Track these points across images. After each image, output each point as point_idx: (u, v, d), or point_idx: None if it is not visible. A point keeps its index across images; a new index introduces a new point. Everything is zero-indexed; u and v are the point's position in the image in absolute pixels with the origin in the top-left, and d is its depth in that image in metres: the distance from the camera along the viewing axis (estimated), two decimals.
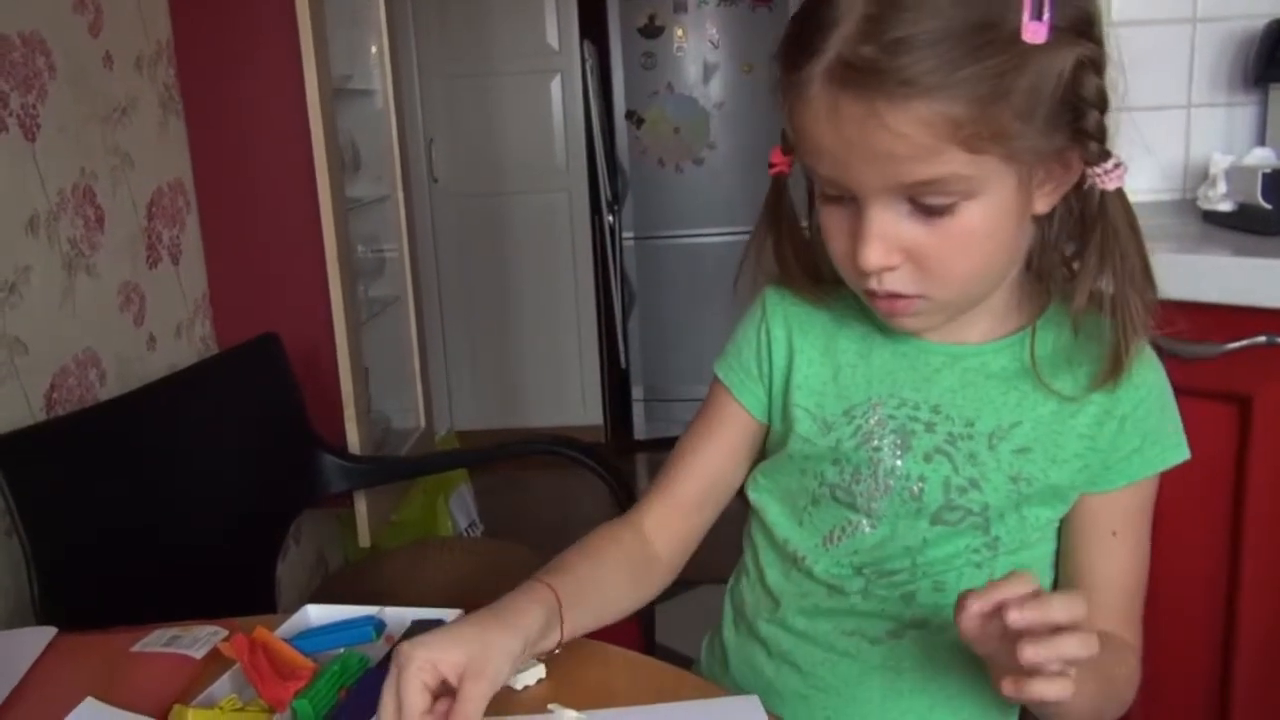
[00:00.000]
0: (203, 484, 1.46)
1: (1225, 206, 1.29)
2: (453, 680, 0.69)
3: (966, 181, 0.67)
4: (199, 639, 0.86)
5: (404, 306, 2.32)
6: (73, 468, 1.24)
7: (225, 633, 0.86)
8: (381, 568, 1.73)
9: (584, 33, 3.53)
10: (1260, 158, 1.28)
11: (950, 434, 0.79)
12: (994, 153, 0.66)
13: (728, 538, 0.98)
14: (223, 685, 0.78)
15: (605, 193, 3.62)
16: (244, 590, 1.53)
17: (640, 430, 3.84)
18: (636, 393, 3.84)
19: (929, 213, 0.69)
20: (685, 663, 0.95)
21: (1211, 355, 1.10)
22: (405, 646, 0.69)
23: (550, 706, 0.74)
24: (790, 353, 0.86)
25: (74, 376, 1.43)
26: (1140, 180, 1.51)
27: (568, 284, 3.71)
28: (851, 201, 0.71)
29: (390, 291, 2.32)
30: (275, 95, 1.74)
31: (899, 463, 0.80)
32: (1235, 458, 1.15)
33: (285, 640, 0.83)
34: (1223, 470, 1.16)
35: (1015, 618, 0.60)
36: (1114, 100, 0.69)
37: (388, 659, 0.77)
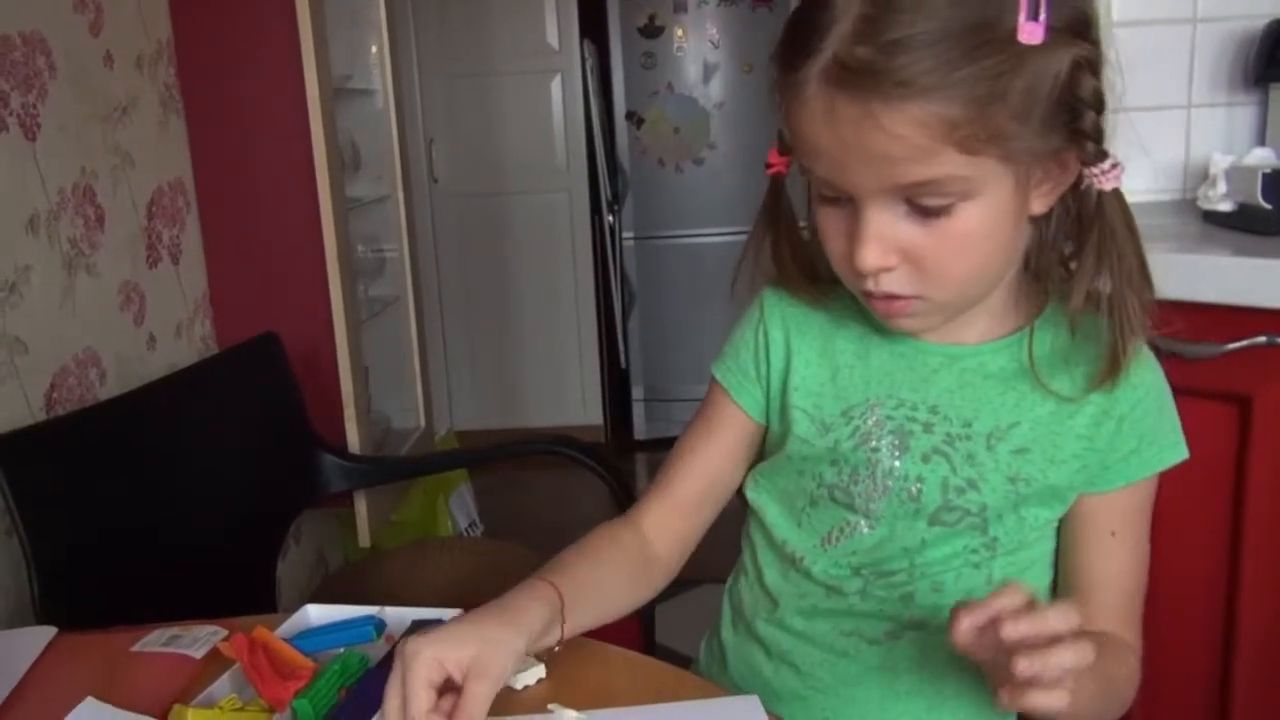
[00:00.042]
0: (203, 484, 1.46)
1: (1225, 206, 1.29)
2: (457, 678, 0.69)
3: (963, 182, 0.67)
4: (199, 639, 0.86)
5: (404, 306, 2.32)
6: (73, 467, 1.24)
7: (225, 632, 0.86)
8: (381, 568, 1.73)
9: (584, 32, 3.53)
10: (1260, 158, 1.28)
11: (948, 434, 0.79)
12: (991, 154, 0.66)
13: (727, 537, 0.98)
14: (223, 685, 0.78)
15: (605, 193, 3.62)
16: (244, 590, 1.53)
17: (640, 430, 3.84)
18: (636, 393, 3.84)
19: (926, 214, 0.69)
20: (685, 663, 0.95)
21: (1211, 355, 1.10)
22: (411, 643, 0.69)
23: (550, 706, 0.74)
24: (788, 354, 0.86)
25: (74, 376, 1.43)
26: (1141, 180, 1.51)
27: (568, 284, 3.71)
28: (848, 202, 0.71)
29: (390, 291, 2.32)
30: (275, 95, 1.74)
31: (897, 463, 0.80)
32: (1235, 458, 1.15)
33: (285, 640, 0.83)
34: (1223, 470, 1.16)
35: (1010, 631, 0.60)
36: (1111, 101, 0.69)
37: (388, 659, 0.77)
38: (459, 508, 2.69)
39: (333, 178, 1.79)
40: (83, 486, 1.25)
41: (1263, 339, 1.08)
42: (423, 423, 2.36)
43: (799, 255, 0.84)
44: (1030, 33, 0.64)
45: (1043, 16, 0.64)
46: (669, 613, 1.63)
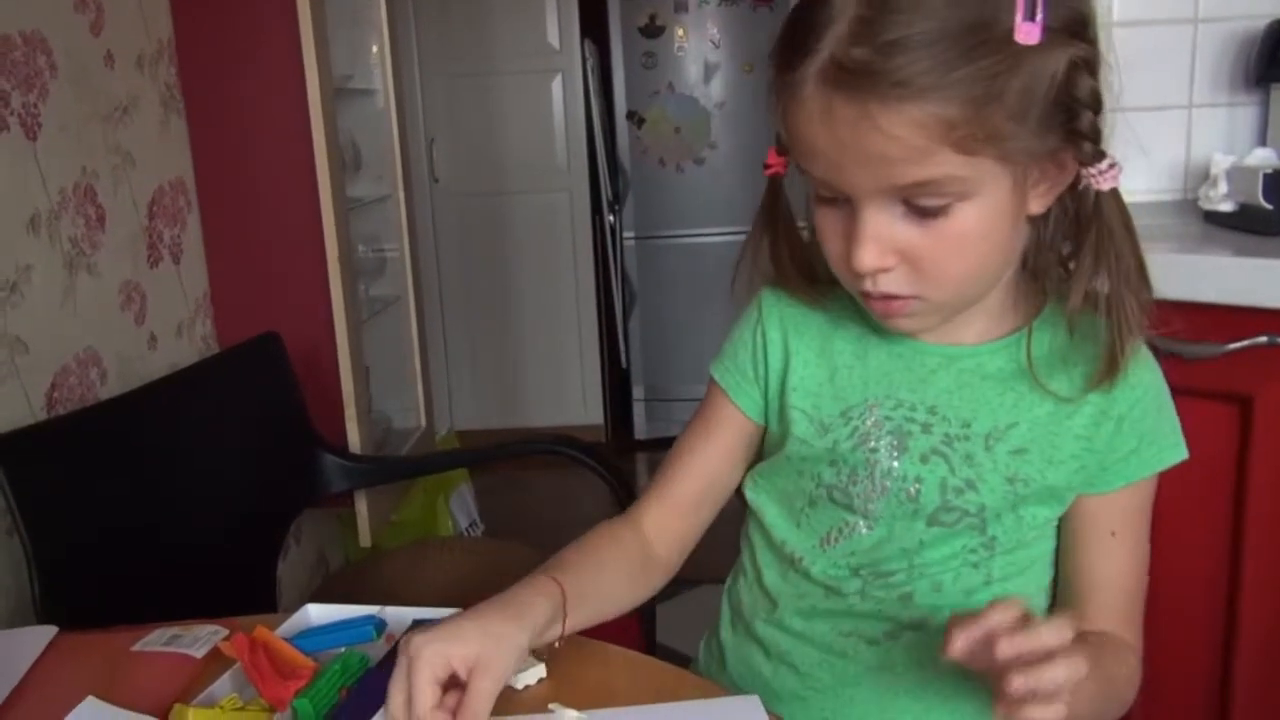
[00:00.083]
0: (203, 483, 1.46)
1: (1226, 207, 1.29)
2: (462, 674, 0.69)
3: (960, 183, 0.67)
4: (199, 638, 0.86)
5: (405, 306, 2.32)
6: (73, 467, 1.24)
7: (226, 632, 0.86)
8: (382, 567, 1.73)
9: (585, 32, 3.53)
10: (1261, 158, 1.28)
11: (947, 435, 0.79)
12: (988, 154, 0.66)
13: (727, 538, 0.98)
14: (223, 684, 0.78)
15: (606, 192, 3.62)
16: (244, 590, 1.53)
17: (641, 430, 3.84)
18: (637, 392, 3.84)
19: (923, 214, 0.69)
20: (685, 662, 0.95)
21: (1212, 355, 1.10)
22: (416, 639, 0.69)
23: (551, 706, 0.74)
24: (786, 354, 0.86)
25: (75, 376, 1.43)
26: (1142, 181, 1.51)
27: (568, 284, 3.71)
28: (846, 203, 0.71)
29: (391, 291, 2.32)
30: (276, 94, 1.74)
31: (895, 464, 0.80)
32: (1236, 458, 1.15)
33: (286, 639, 0.83)
34: (1223, 471, 1.16)
35: (1004, 650, 0.60)
36: (1109, 101, 0.69)
37: (389, 658, 0.77)
38: (459, 507, 2.69)
39: (333, 177, 1.79)
40: (83, 486, 1.25)
41: (1264, 339, 1.08)
42: (423, 422, 2.36)
43: (797, 256, 0.84)
44: (1027, 33, 0.64)
45: (1039, 17, 0.64)
46: (669, 613, 1.63)
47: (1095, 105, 0.68)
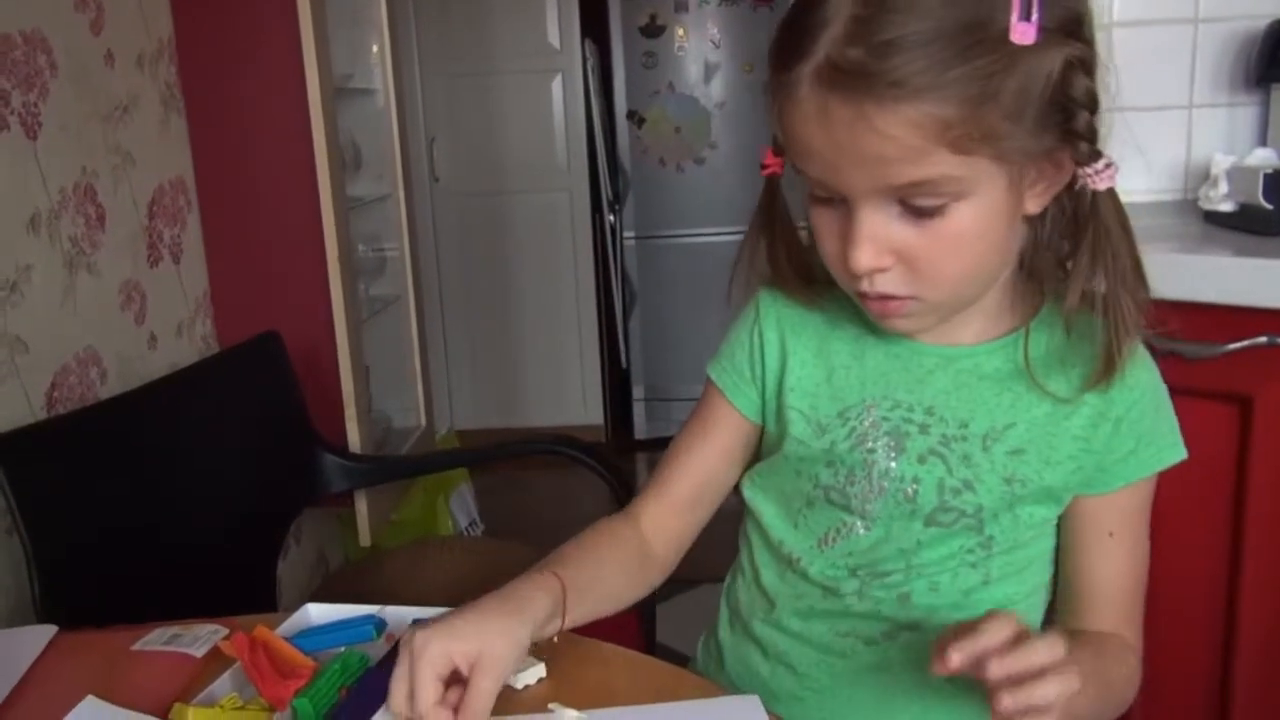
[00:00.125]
0: (203, 483, 1.46)
1: (1226, 207, 1.29)
2: (464, 670, 0.69)
3: (956, 183, 0.67)
4: (199, 637, 0.86)
5: (405, 306, 2.32)
6: (73, 466, 1.24)
7: (226, 631, 0.86)
8: (382, 567, 1.73)
9: (585, 32, 3.53)
10: (1261, 158, 1.28)
11: (944, 435, 0.79)
12: (984, 154, 0.66)
13: (727, 537, 0.98)
14: (223, 684, 0.78)
15: (606, 192, 3.62)
16: (245, 590, 1.53)
17: (641, 430, 3.84)
18: (637, 392, 3.84)
19: (919, 214, 0.68)
20: (685, 662, 0.95)
21: (1212, 355, 1.10)
22: (419, 635, 0.69)
23: (550, 706, 0.74)
24: (783, 355, 0.86)
25: (75, 375, 1.43)
26: (1142, 181, 1.51)
27: (568, 283, 3.71)
28: (842, 203, 0.71)
29: (391, 290, 2.32)
30: (276, 94, 1.74)
31: (893, 464, 0.80)
32: (1236, 458, 1.15)
33: (286, 639, 0.83)
34: (1223, 471, 1.16)
35: (994, 671, 0.60)
36: (1106, 101, 0.69)
37: (389, 658, 0.77)
38: (459, 507, 2.69)
39: (334, 177, 1.79)
40: (83, 485, 1.25)
41: (1264, 339, 1.08)
42: (423, 422, 2.36)
43: (794, 256, 0.84)
44: (1023, 33, 0.64)
45: (1035, 16, 0.64)
46: (669, 612, 1.63)
47: (1091, 105, 0.68)
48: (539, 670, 0.78)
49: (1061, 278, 0.77)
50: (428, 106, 3.56)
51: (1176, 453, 0.80)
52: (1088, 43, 0.68)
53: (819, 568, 0.84)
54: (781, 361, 0.86)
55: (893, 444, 0.80)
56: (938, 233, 0.69)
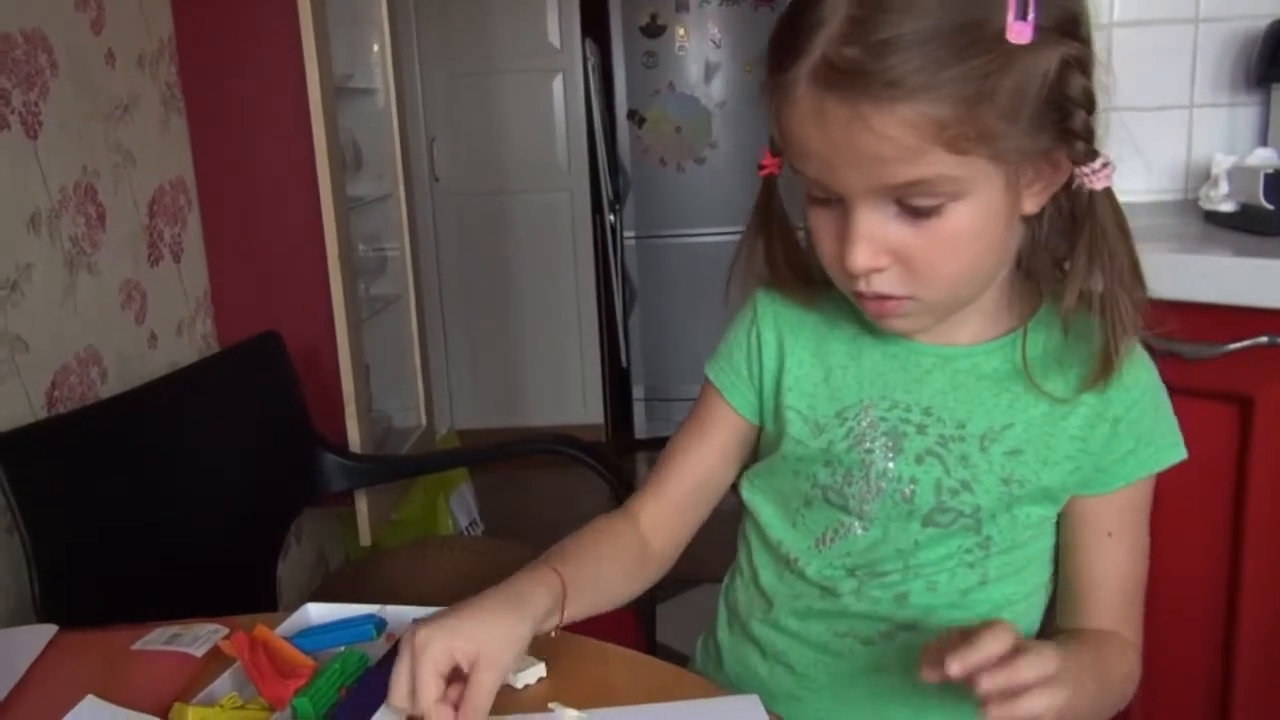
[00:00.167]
0: (204, 482, 1.46)
1: (1227, 207, 1.29)
2: (465, 667, 0.69)
3: (953, 182, 0.67)
4: (199, 637, 0.86)
5: (405, 305, 2.32)
6: (74, 466, 1.24)
7: (226, 631, 0.86)
8: (382, 566, 1.73)
9: (586, 31, 3.53)
10: (1262, 158, 1.28)
11: (942, 436, 0.79)
12: (980, 153, 0.66)
13: (727, 537, 0.98)
14: (223, 683, 0.78)
15: (606, 192, 3.62)
16: (245, 589, 1.53)
17: (641, 429, 3.84)
18: (637, 392, 3.84)
19: (916, 214, 0.68)
20: (685, 662, 0.95)
21: (1212, 355, 1.10)
22: (421, 632, 0.69)
23: (550, 705, 0.75)
24: (781, 355, 0.86)
25: (75, 374, 1.43)
26: (1142, 181, 1.51)
27: (569, 283, 3.71)
28: (839, 203, 0.71)
29: (391, 290, 2.32)
30: (277, 93, 1.74)
31: (890, 465, 0.80)
32: (1236, 458, 1.15)
33: (286, 638, 0.83)
34: (1223, 471, 1.16)
35: (985, 686, 0.61)
36: (1103, 100, 0.68)
37: (388, 658, 0.77)
38: (460, 507, 2.69)
39: (334, 176, 1.79)
40: (84, 485, 1.25)
41: (1264, 339, 1.08)
42: (424, 421, 2.36)
43: (792, 257, 0.84)
44: (1019, 32, 0.64)
45: (1031, 16, 0.64)
46: (669, 612, 1.64)
47: (1088, 104, 0.67)
48: (539, 670, 0.78)
49: (1059, 278, 0.77)
50: (428, 106, 3.56)
51: (1176, 453, 0.80)
52: (1084, 42, 0.68)
53: (817, 568, 0.84)
54: (779, 361, 0.86)
55: (890, 444, 0.80)
56: (935, 232, 0.69)
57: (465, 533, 2.68)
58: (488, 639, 0.70)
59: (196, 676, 0.81)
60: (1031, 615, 0.85)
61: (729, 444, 0.90)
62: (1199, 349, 1.10)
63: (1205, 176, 1.34)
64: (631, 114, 3.65)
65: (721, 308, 0.90)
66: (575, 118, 3.58)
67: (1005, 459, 0.78)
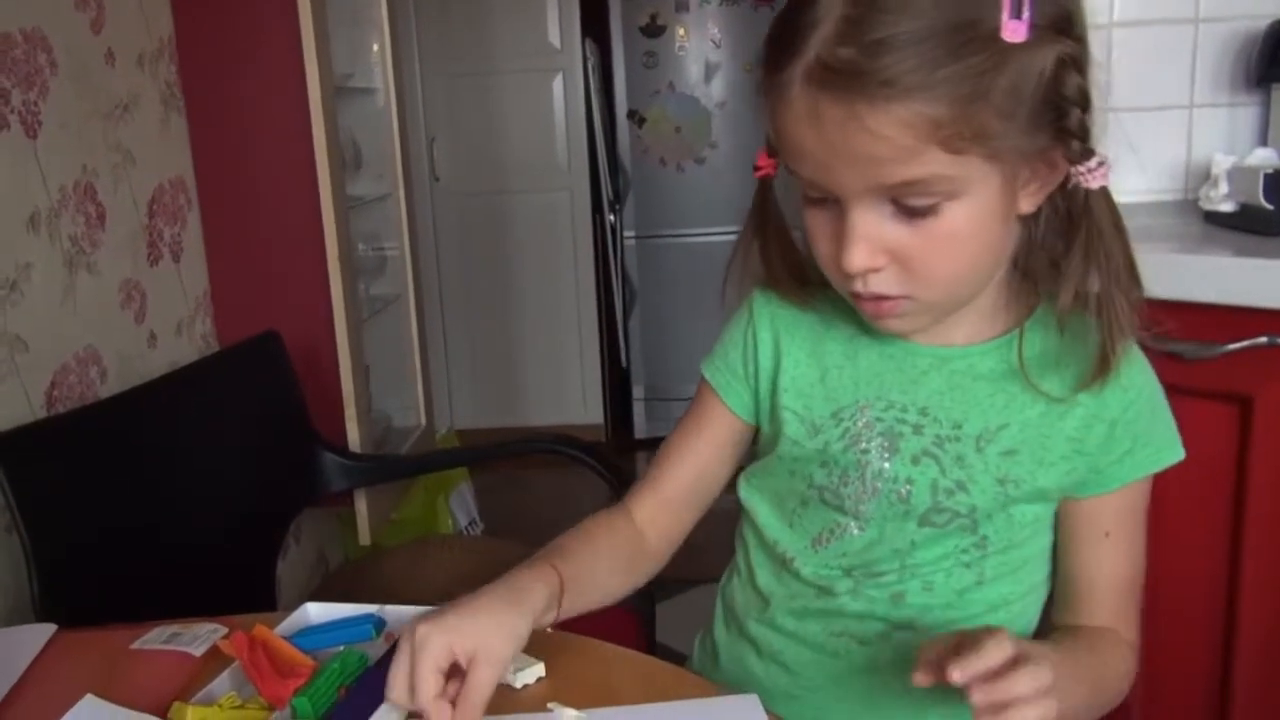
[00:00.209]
0: (203, 482, 1.46)
1: (1227, 207, 1.28)
2: (463, 663, 0.69)
3: (949, 182, 0.67)
4: (199, 636, 0.86)
5: (405, 305, 2.32)
6: (73, 465, 1.24)
7: (225, 630, 0.86)
8: (382, 566, 1.73)
9: (586, 31, 3.53)
10: (1262, 158, 1.28)
11: (938, 436, 0.79)
12: (976, 153, 0.65)
13: (727, 537, 0.98)
14: (222, 683, 0.78)
15: (607, 192, 3.62)
16: (244, 589, 1.53)
17: (641, 429, 3.84)
18: (637, 392, 3.84)
19: (912, 214, 0.68)
20: (684, 662, 0.95)
21: (1212, 356, 1.10)
22: (421, 627, 0.69)
23: (550, 705, 0.75)
24: (777, 355, 0.86)
25: (75, 374, 1.43)
26: (1142, 181, 1.51)
27: (569, 283, 3.71)
28: (835, 204, 0.71)
29: (391, 290, 2.32)
30: (277, 93, 1.74)
31: (886, 465, 0.80)
32: (1236, 458, 1.15)
33: (285, 638, 0.83)
34: (1223, 471, 1.16)
35: (978, 699, 0.61)
36: (1097, 99, 0.68)
37: (388, 658, 0.77)
38: (459, 506, 2.69)
39: (334, 176, 1.79)
40: (83, 484, 1.25)
41: (1264, 339, 1.08)
42: (423, 421, 2.36)
43: (788, 257, 0.84)
44: (1013, 31, 0.64)
45: (1026, 14, 0.64)
46: (669, 612, 1.63)
47: (1083, 103, 0.67)
48: (538, 670, 0.78)
49: (1056, 278, 0.77)
50: (428, 106, 3.56)
51: (1174, 453, 0.80)
52: (1079, 40, 0.68)
53: (813, 568, 0.84)
54: (775, 362, 0.86)
55: (886, 444, 0.80)
56: (931, 232, 0.69)
57: (465, 532, 2.68)
58: (486, 635, 0.70)
59: (195, 676, 0.81)
60: (1028, 614, 0.85)
61: (724, 443, 0.90)
62: (1199, 349, 1.10)
63: (1205, 176, 1.34)
64: (631, 114, 3.65)
65: (721, 308, 0.90)
66: (575, 118, 3.58)
67: (1001, 459, 0.78)
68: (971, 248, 0.71)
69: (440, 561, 1.72)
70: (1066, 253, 0.73)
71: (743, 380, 0.88)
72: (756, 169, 0.79)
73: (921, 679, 0.64)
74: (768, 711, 0.73)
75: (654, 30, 3.59)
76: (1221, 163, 1.30)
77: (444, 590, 1.58)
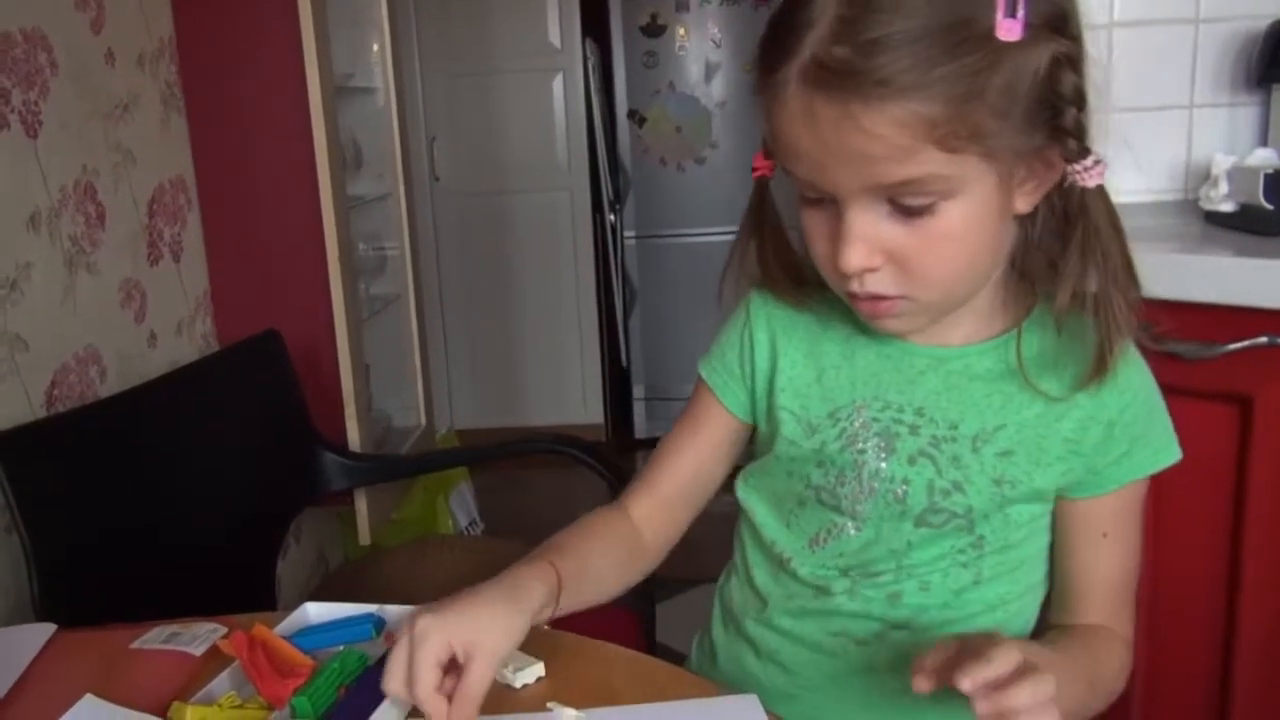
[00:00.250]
0: (203, 482, 1.46)
1: (1227, 207, 1.28)
2: (461, 658, 0.70)
3: (945, 181, 0.67)
4: (198, 636, 0.86)
5: (405, 305, 2.32)
6: (73, 465, 1.24)
7: (224, 630, 0.86)
8: (381, 566, 1.73)
9: (586, 31, 3.53)
10: (1262, 158, 1.28)
11: (934, 437, 0.79)
12: (972, 152, 0.65)
13: (726, 537, 0.98)
14: (222, 682, 0.78)
15: (607, 191, 3.62)
16: (244, 589, 1.53)
17: (641, 429, 3.84)
18: (637, 392, 3.84)
19: (909, 213, 0.68)
20: (684, 662, 0.95)
21: (1212, 356, 1.10)
22: (420, 623, 0.69)
23: (550, 705, 0.75)
24: (774, 355, 0.86)
25: (75, 373, 1.43)
26: (1142, 181, 1.51)
27: (569, 283, 3.71)
28: (831, 204, 0.71)
29: (391, 289, 2.32)
30: (277, 93, 1.74)
31: (883, 465, 0.80)
32: (1236, 458, 1.15)
33: (284, 637, 0.83)
34: (1223, 471, 1.16)
35: (981, 709, 0.61)
36: (1095, 98, 0.68)
37: (387, 657, 0.77)
38: (459, 506, 2.69)
39: (334, 176, 1.79)
40: (83, 484, 1.25)
41: (1264, 339, 1.08)
42: (423, 421, 2.36)
43: (784, 258, 0.84)
44: (1008, 29, 0.64)
45: (1020, 13, 0.63)
46: (668, 612, 1.63)
47: (1079, 101, 0.67)
48: (538, 670, 0.78)
49: (1053, 277, 0.76)
50: (428, 105, 3.56)
51: (1171, 454, 0.80)
52: (1074, 39, 0.68)
53: (810, 568, 0.84)
54: (772, 362, 0.86)
55: (883, 445, 0.80)
56: (927, 232, 0.69)
57: (465, 532, 2.68)
58: (485, 631, 0.70)
59: (195, 675, 0.81)
60: (1026, 614, 0.85)
61: (721, 442, 0.90)
62: (1199, 349, 1.10)
63: (1205, 176, 1.34)
64: (632, 114, 3.65)
65: (719, 308, 0.90)
66: (575, 117, 3.58)
67: (997, 460, 0.78)
68: (968, 247, 0.71)
69: (440, 561, 1.72)
70: (1064, 252, 0.73)
71: (739, 380, 0.88)
72: (754, 170, 0.79)
73: (922, 684, 0.64)
74: (767, 711, 0.73)
75: (654, 30, 3.59)
76: (1222, 163, 1.30)
77: (444, 590, 1.58)
